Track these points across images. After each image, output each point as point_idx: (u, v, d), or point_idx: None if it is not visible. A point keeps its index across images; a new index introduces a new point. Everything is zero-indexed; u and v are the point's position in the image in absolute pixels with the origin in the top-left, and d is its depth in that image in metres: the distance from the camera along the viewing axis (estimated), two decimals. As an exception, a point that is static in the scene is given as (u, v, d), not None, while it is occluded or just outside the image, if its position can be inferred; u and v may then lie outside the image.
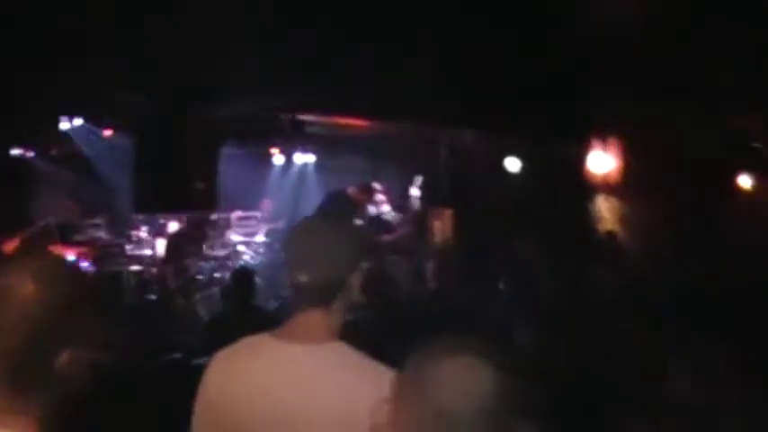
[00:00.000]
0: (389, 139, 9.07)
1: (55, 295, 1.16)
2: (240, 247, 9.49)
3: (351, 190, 8.01)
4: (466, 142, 9.06)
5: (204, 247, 8.48)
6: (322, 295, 1.64)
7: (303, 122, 7.58)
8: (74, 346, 1.17)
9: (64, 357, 1.16)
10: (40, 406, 1.15)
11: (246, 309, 4.69)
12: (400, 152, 9.41)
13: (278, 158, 11.07)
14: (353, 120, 8.26)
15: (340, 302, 1.67)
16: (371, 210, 8.98)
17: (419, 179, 9.12)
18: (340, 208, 7.75)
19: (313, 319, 1.64)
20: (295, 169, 11.17)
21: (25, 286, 1.15)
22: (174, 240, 7.58)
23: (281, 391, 1.58)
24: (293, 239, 1.69)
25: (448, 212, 9.24)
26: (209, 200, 6.53)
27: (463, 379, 1.04)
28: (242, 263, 8.90)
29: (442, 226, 9.24)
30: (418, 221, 9.26)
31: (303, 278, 1.62)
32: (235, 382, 1.64)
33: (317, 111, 7.54)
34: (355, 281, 1.69)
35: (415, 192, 9.25)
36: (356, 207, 8.01)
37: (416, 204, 9.19)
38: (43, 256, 1.31)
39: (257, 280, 5.07)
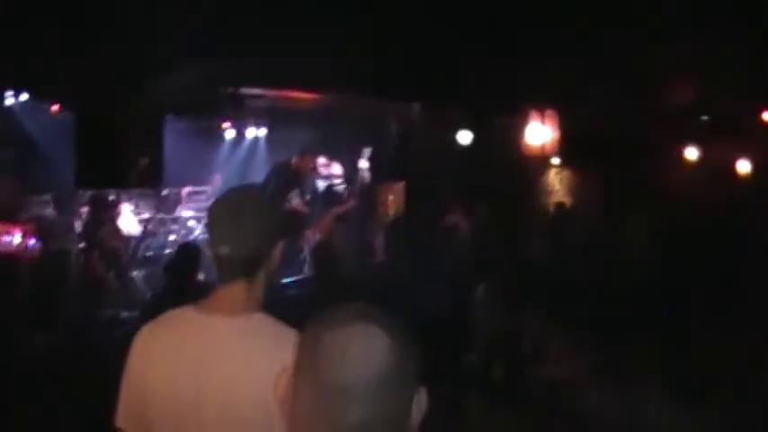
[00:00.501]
0: (340, 112, 9.00)
1: None
2: (191, 223, 9.38)
3: (294, 160, 7.94)
4: (415, 116, 9.13)
5: (123, 225, 8.27)
6: (244, 267, 1.65)
7: (244, 96, 7.40)
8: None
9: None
10: None
11: (191, 284, 4.62)
12: (351, 126, 9.40)
13: (229, 132, 10.99)
14: (303, 93, 8.19)
15: (262, 274, 1.68)
16: (320, 182, 8.98)
17: (367, 151, 9.19)
18: (284, 178, 7.70)
19: (235, 290, 1.65)
20: (246, 143, 11.09)
21: None
22: (86, 225, 7.33)
23: (199, 361, 1.59)
24: (216, 212, 1.69)
25: (399, 186, 9.28)
26: (153, 175, 6.34)
27: (354, 346, 1.01)
28: (192, 237, 8.82)
29: (393, 199, 9.28)
30: (368, 194, 9.32)
31: (225, 250, 1.63)
32: (155, 354, 1.66)
33: (264, 83, 7.46)
34: (276, 253, 1.70)
35: (365, 164, 9.30)
36: (300, 177, 7.95)
37: (366, 177, 9.25)
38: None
39: (200, 256, 4.89)
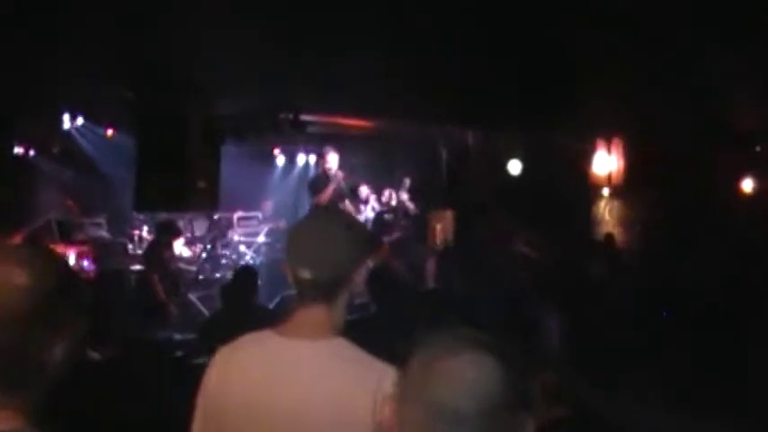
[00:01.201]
0: (391, 138, 9.11)
1: (47, 287, 1.13)
2: (241, 247, 9.49)
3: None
4: (466, 142, 9.09)
5: (184, 249, 8.34)
6: (325, 291, 1.63)
7: (304, 122, 7.41)
8: (65, 340, 1.14)
9: (57, 351, 1.14)
10: (31, 399, 1.13)
11: (248, 307, 4.66)
12: (402, 152, 9.48)
13: (280, 159, 11.09)
14: (355, 120, 8.27)
15: (342, 298, 1.66)
16: (366, 210, 8.99)
17: (407, 181, 9.10)
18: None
19: (315, 314, 1.63)
20: (296, 169, 11.18)
21: (19, 277, 1.12)
22: (151, 247, 7.41)
23: (281, 386, 1.57)
24: (297, 235, 1.67)
25: (449, 213, 9.23)
26: (210, 199, 6.41)
27: (467, 375, 1.00)
28: (243, 262, 8.88)
29: (443, 227, 9.23)
30: (417, 222, 9.25)
31: (306, 274, 1.60)
32: (235, 378, 1.64)
33: (317, 110, 7.51)
34: (358, 277, 1.67)
35: (409, 193, 9.21)
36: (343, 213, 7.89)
37: (414, 205, 9.14)
38: (38, 249, 1.22)
39: (258, 279, 5.00)
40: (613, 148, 8.58)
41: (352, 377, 1.53)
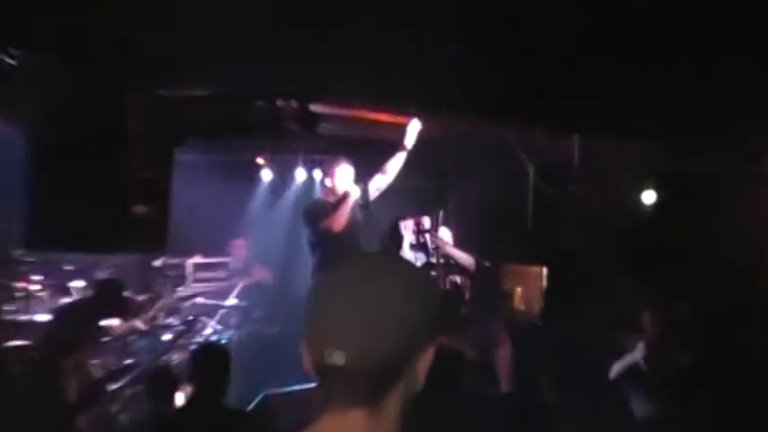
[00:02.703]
0: (445, 147, 9.23)
1: None
2: (201, 315, 9.16)
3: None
4: (570, 157, 8.88)
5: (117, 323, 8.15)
6: (370, 387, 1.65)
7: (316, 115, 7.31)
8: None
9: None
10: None
11: (211, 413, 4.84)
12: (460, 167, 9.68)
13: (266, 174, 10.87)
14: (394, 116, 8.17)
15: (396, 399, 1.69)
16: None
17: (441, 216, 9.12)
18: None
19: (351, 424, 1.65)
20: (292, 191, 10.90)
21: None
22: (67, 312, 7.35)
23: None
24: (327, 293, 1.69)
25: (535, 270, 9.25)
26: (152, 235, 6.22)
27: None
28: (202, 339, 8.80)
29: (524, 292, 9.23)
30: (481, 281, 9.04)
31: (339, 359, 1.60)
32: None
33: (336, 98, 7.48)
34: (423, 366, 1.72)
35: (445, 233, 9.11)
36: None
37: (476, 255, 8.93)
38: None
39: (228, 366, 5.13)
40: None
41: None
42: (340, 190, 7.55)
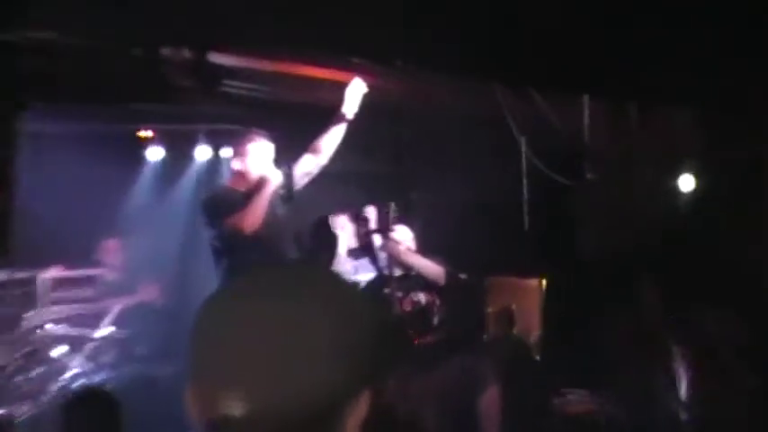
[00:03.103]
0: (403, 114, 8.80)
1: None
2: (59, 349, 8.51)
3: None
4: (579, 128, 8.54)
5: None
6: None
7: (221, 70, 7.05)
8: None
9: None
10: None
11: None
12: (430, 145, 9.28)
13: (153, 153, 10.16)
14: (323, 69, 7.74)
15: None
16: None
17: (393, 210, 8.31)
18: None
19: None
20: (189, 176, 10.28)
21: None
22: None
23: None
24: (225, 319, 1.53)
25: (533, 284, 8.90)
26: None
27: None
28: (63, 384, 8.17)
29: (518, 309, 8.44)
30: (456, 300, 8.30)
31: (237, 410, 1.45)
32: None
33: (252, 46, 7.05)
34: (354, 420, 1.57)
35: (402, 232, 8.31)
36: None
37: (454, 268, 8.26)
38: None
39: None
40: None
41: None
42: (254, 175, 7.09)
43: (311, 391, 1.43)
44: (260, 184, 7.03)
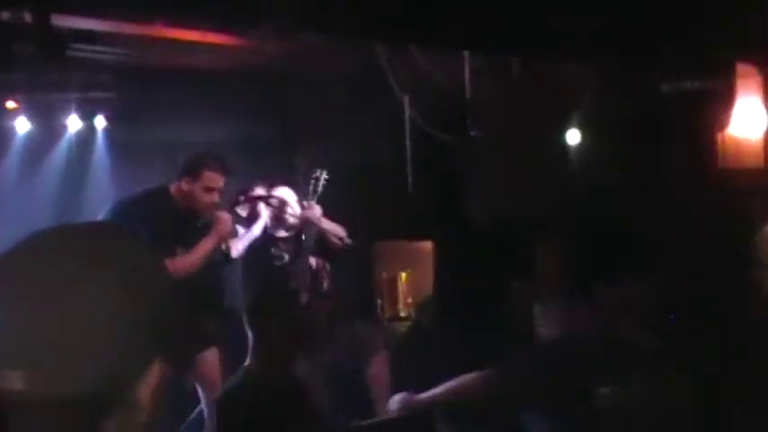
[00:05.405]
0: (290, 81, 9.13)
1: None
2: None
3: (185, 186, 7.12)
4: (463, 88, 8.62)
5: None
6: (67, 420, 1.51)
7: (67, 35, 6.56)
8: None
9: None
10: None
11: None
12: (312, 111, 9.29)
13: (20, 125, 9.71)
14: (209, 34, 7.67)
15: None
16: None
17: (321, 174, 8.26)
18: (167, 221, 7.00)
19: None
20: (63, 147, 10.05)
21: None
22: None
23: None
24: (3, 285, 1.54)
25: (423, 246, 9.15)
26: None
27: None
28: None
29: (410, 279, 8.88)
30: (345, 266, 8.48)
31: (17, 382, 1.45)
32: None
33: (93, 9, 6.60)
34: (148, 385, 1.57)
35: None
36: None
37: (344, 228, 8.21)
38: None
39: None
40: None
41: None
42: (201, 203, 6.91)
43: (93, 360, 1.43)
44: (208, 225, 6.93)
